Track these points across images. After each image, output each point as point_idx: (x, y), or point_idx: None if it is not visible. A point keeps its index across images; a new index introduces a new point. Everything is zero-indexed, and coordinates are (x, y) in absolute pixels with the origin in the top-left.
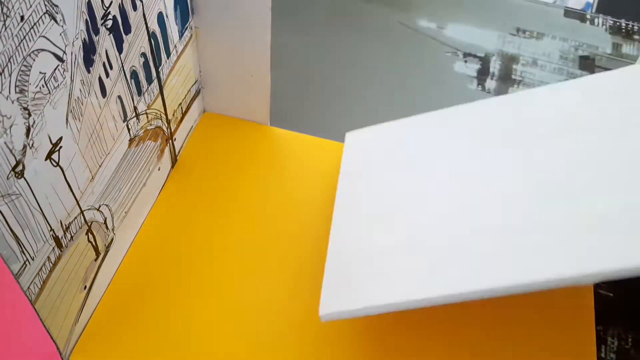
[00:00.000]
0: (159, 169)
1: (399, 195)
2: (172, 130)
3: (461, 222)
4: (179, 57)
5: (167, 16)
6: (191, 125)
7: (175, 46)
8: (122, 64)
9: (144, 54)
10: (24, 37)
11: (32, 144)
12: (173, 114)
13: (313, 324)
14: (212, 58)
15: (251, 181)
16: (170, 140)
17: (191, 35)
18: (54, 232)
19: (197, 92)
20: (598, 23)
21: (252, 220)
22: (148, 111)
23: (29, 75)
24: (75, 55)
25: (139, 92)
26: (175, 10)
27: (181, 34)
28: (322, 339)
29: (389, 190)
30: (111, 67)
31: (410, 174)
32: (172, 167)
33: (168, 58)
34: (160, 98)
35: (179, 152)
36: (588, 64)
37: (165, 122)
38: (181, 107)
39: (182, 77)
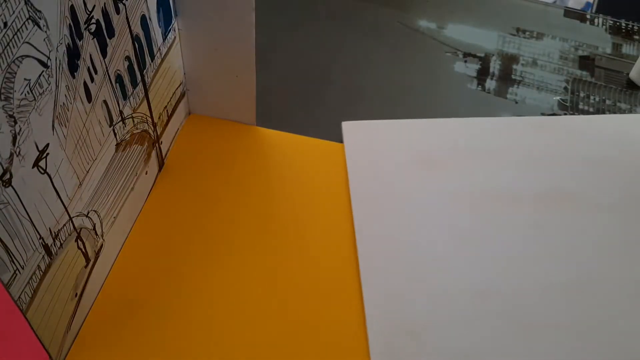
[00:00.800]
0: (146, 173)
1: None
2: (159, 133)
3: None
4: (163, 60)
5: (150, 19)
6: (177, 127)
7: (159, 49)
8: (106, 68)
9: (128, 58)
10: (8, 44)
11: (19, 152)
12: (159, 117)
13: (309, 330)
14: (197, 60)
15: (238, 182)
16: (156, 144)
17: (175, 37)
18: (43, 240)
19: (182, 94)
20: (598, 23)
21: (241, 222)
22: (134, 115)
23: (13, 82)
24: (60, 61)
25: (125, 96)
26: (158, 12)
27: (165, 37)
28: (322, 348)
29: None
30: (96, 72)
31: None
32: (160, 170)
33: (152, 61)
34: (145, 101)
35: (165, 155)
36: (588, 64)
37: (151, 126)
38: (167, 110)
39: (167, 79)
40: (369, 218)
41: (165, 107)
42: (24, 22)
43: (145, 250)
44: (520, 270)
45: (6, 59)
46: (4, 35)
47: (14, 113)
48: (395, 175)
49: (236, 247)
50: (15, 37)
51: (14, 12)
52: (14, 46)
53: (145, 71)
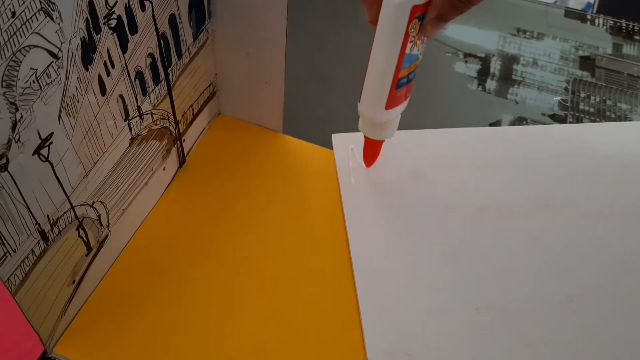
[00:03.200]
0: (164, 169)
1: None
2: (181, 131)
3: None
4: (192, 59)
5: (179, 18)
6: (203, 126)
7: (188, 48)
8: (125, 63)
9: (151, 55)
10: (15, 33)
11: (19, 139)
12: (182, 115)
13: (315, 336)
14: (228, 62)
15: (258, 188)
16: (178, 141)
17: (207, 38)
18: (39, 225)
19: (212, 95)
20: (599, 23)
21: (254, 227)
22: (153, 111)
23: (17, 71)
24: (72, 53)
25: (144, 92)
26: (190, 12)
27: (195, 37)
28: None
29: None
30: (113, 66)
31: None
32: (180, 167)
33: (179, 60)
34: (168, 99)
35: (188, 153)
36: (588, 64)
37: (173, 123)
38: (192, 109)
39: (195, 79)
40: (363, 234)
41: (191, 105)
42: (35, 13)
43: (154, 244)
44: (518, 285)
45: (11, 47)
46: (10, 25)
47: (15, 100)
48: (387, 189)
49: (246, 252)
50: (24, 27)
51: (24, 2)
52: (21, 35)
53: (170, 69)
